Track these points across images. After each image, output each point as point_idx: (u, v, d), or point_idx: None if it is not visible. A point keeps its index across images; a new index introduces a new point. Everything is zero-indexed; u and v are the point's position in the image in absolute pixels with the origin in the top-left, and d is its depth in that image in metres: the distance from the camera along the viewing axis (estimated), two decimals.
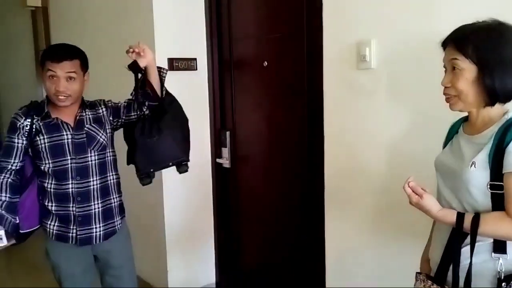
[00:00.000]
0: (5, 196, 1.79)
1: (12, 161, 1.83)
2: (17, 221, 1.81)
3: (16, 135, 1.83)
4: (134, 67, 1.82)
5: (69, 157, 1.84)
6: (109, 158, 1.96)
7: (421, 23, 1.68)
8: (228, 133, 2.79)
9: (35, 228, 1.90)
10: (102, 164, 1.93)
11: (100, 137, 1.92)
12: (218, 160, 2.88)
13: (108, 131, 1.96)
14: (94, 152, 1.89)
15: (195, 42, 2.82)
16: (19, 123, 1.83)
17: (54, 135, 1.84)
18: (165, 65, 2.71)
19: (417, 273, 1.37)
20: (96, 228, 1.91)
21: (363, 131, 1.91)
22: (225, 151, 2.84)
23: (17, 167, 1.84)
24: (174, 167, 2.06)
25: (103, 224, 1.92)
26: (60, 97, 1.80)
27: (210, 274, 3.02)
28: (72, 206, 1.86)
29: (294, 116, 2.36)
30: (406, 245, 1.80)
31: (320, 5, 2.01)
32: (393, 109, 1.80)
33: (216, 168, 2.91)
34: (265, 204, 2.64)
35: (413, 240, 1.75)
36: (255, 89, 2.63)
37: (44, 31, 4.34)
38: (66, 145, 1.85)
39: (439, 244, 1.29)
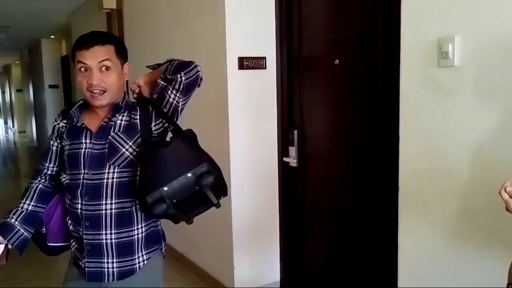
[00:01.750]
0: (28, 204, 1.56)
1: (47, 164, 1.62)
2: (44, 231, 1.59)
3: (53, 137, 1.63)
4: (141, 101, 1.59)
5: (82, 171, 1.50)
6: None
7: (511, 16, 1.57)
8: (296, 131, 2.77)
9: (65, 244, 1.63)
10: (124, 184, 1.50)
11: (126, 149, 1.49)
12: (285, 159, 2.87)
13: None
14: (115, 169, 1.49)
15: (264, 41, 2.82)
16: (55, 124, 1.63)
17: (74, 142, 1.54)
18: (235, 64, 2.75)
19: (509, 284, 1.28)
20: (107, 263, 1.52)
21: (444, 132, 1.81)
22: (292, 150, 2.82)
23: (53, 172, 1.62)
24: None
25: (117, 260, 1.52)
26: (95, 91, 1.47)
27: (275, 272, 3.03)
28: (82, 231, 1.52)
29: (366, 115, 2.30)
30: (490, 252, 1.69)
31: (398, 0, 1.94)
32: (478, 109, 1.69)
33: (283, 167, 2.91)
34: (333, 204, 2.60)
35: (498, 247, 1.64)
36: (325, 87, 2.59)
37: (118, 32, 4.54)
38: (81, 156, 1.51)
39: None
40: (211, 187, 1.42)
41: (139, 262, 1.55)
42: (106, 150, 1.49)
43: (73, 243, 1.59)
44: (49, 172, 1.62)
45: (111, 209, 1.49)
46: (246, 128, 2.85)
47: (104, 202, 1.49)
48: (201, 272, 3.27)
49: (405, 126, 1.97)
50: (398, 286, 2.09)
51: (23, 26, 7.74)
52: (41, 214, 1.57)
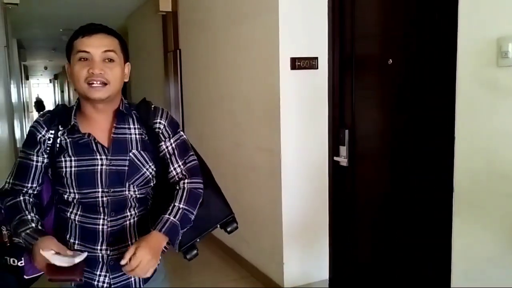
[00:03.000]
0: (34, 216, 1.34)
1: (29, 185, 1.37)
2: (21, 264, 1.36)
3: (35, 151, 1.36)
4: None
5: (99, 189, 1.35)
6: (151, 188, 1.47)
7: None
8: (347, 131, 2.79)
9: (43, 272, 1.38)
10: (144, 198, 1.46)
11: (147, 169, 1.41)
12: (335, 158, 2.89)
13: (157, 160, 1.44)
14: (134, 188, 1.40)
15: (316, 41, 2.86)
16: (39, 135, 1.35)
17: (84, 157, 1.34)
18: (287, 64, 2.80)
19: None
20: None
21: (503, 133, 1.78)
22: (343, 150, 2.84)
23: (35, 192, 1.39)
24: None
25: None
26: (95, 82, 1.28)
27: (324, 270, 3.06)
28: (101, 249, 1.38)
29: (420, 115, 2.28)
30: None
31: None
32: None
33: (333, 166, 2.93)
34: (384, 203, 2.60)
35: None
36: (377, 87, 2.59)
37: (173, 33, 4.71)
38: (98, 174, 1.35)
39: None
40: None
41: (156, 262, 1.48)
42: (127, 168, 1.37)
43: None
44: (30, 192, 1.38)
45: (134, 218, 1.43)
46: (297, 127, 2.90)
47: (129, 213, 1.41)
48: (251, 267, 3.35)
49: (462, 127, 1.95)
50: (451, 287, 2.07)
51: None
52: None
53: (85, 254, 1.29)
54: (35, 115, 22.57)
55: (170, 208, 1.38)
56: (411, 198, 2.39)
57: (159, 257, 1.32)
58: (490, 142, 1.83)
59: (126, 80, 1.40)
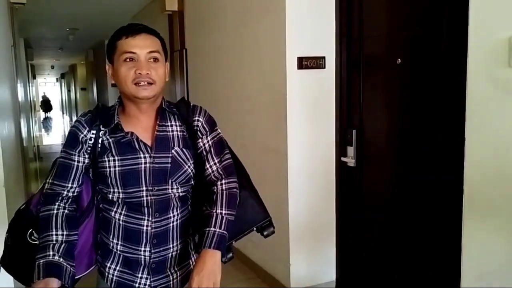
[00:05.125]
0: (62, 235, 1.31)
1: (69, 185, 1.36)
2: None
3: (77, 151, 1.36)
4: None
5: (144, 188, 1.36)
6: (192, 186, 1.47)
7: None
8: (354, 131, 2.76)
9: (85, 273, 1.44)
10: (185, 197, 1.47)
11: (188, 166, 1.42)
12: (343, 158, 2.87)
13: (196, 158, 1.45)
14: (176, 185, 1.40)
15: (324, 41, 2.84)
16: (81, 135, 1.36)
17: (128, 156, 1.35)
18: (294, 64, 2.78)
19: None
20: (172, 274, 1.45)
21: None
22: (350, 150, 2.82)
23: (75, 193, 1.38)
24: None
25: (179, 268, 1.46)
26: (142, 83, 1.31)
27: (330, 271, 3.04)
28: (144, 250, 1.39)
29: (430, 116, 2.25)
30: None
31: None
32: None
33: (341, 167, 2.91)
34: (392, 205, 2.57)
35: None
36: (386, 87, 2.57)
37: (179, 32, 4.70)
38: (142, 172, 1.35)
39: None
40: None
41: (192, 263, 1.49)
42: (169, 166, 1.38)
43: (112, 265, 1.42)
44: (70, 194, 1.37)
45: (177, 220, 1.43)
46: (304, 128, 2.88)
47: (172, 214, 1.41)
48: (257, 268, 3.34)
49: (472, 128, 1.92)
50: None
51: (89, 28, 8.20)
52: (75, 242, 1.36)
53: None
54: (42, 114, 22.74)
55: (214, 218, 1.37)
56: (419, 200, 2.36)
57: (220, 273, 1.33)
58: (502, 143, 1.80)
59: (167, 80, 1.41)
